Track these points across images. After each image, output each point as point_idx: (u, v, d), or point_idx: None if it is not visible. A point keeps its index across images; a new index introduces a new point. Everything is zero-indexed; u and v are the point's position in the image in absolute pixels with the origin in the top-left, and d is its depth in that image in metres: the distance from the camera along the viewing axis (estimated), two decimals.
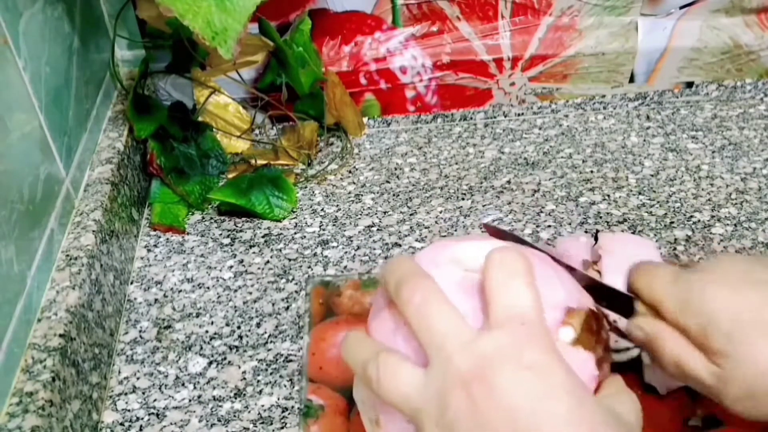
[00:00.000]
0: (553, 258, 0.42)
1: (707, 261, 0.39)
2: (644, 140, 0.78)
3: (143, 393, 0.54)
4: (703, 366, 0.37)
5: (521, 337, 0.32)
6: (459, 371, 0.31)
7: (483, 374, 0.31)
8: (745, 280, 0.37)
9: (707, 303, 0.36)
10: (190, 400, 0.53)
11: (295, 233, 0.68)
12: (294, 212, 0.70)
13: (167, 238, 0.68)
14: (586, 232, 0.66)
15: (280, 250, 0.66)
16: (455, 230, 0.67)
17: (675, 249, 0.63)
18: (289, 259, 0.65)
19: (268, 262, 0.65)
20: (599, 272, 0.57)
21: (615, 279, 0.56)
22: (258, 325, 0.59)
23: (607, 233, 0.62)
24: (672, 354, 0.38)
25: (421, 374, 0.33)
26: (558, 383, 0.31)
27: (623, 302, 0.43)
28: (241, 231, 0.68)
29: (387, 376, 0.34)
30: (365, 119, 0.82)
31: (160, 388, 0.54)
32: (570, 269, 0.42)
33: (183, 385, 0.54)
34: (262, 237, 0.68)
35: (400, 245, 0.66)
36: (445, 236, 0.66)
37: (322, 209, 0.71)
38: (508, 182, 0.73)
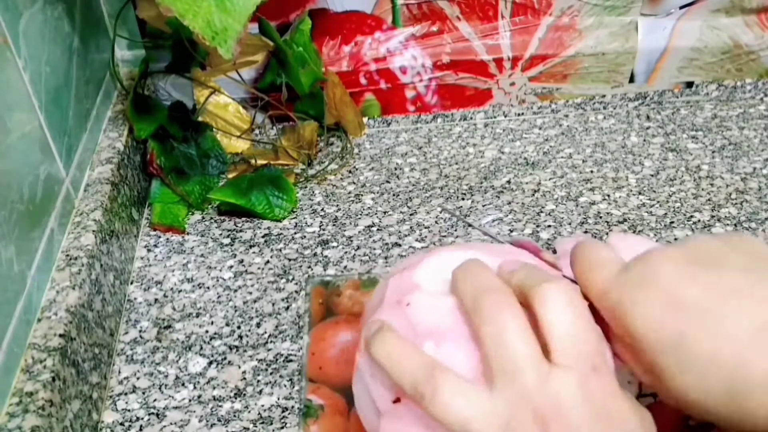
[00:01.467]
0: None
1: (639, 264, 0.35)
2: (644, 140, 0.78)
3: (143, 393, 0.54)
4: (643, 376, 0.35)
5: (595, 383, 0.32)
6: (535, 406, 0.31)
7: (559, 417, 0.31)
8: (669, 302, 0.33)
9: (634, 327, 0.33)
10: (190, 400, 0.53)
11: (295, 233, 0.68)
12: (294, 212, 0.70)
13: (167, 238, 0.68)
14: (585, 232, 0.66)
15: (280, 250, 0.66)
16: (455, 230, 0.67)
17: None
18: (289, 259, 0.65)
19: (268, 262, 0.65)
20: None
21: None
22: (258, 325, 0.59)
23: (619, 233, 0.62)
24: (621, 355, 0.36)
25: (486, 402, 0.32)
26: (630, 429, 0.32)
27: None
28: (241, 231, 0.68)
29: (445, 398, 0.32)
30: (365, 119, 0.82)
31: (160, 388, 0.54)
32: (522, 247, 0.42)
33: (183, 385, 0.54)
34: (262, 237, 0.68)
35: (400, 245, 0.66)
36: (444, 236, 0.66)
37: (322, 209, 0.71)
38: (508, 182, 0.73)
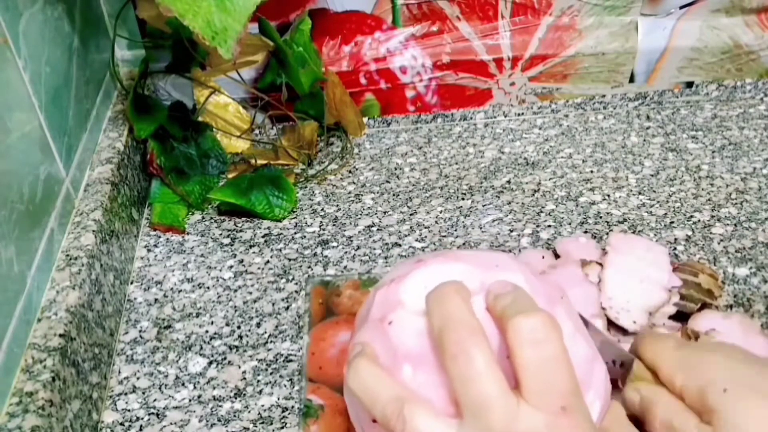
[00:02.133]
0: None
1: (708, 339, 0.42)
2: (644, 140, 0.78)
3: (143, 393, 0.54)
4: (695, 427, 0.38)
5: (563, 425, 0.32)
6: None
7: None
8: (744, 358, 0.39)
9: (707, 367, 0.38)
10: (190, 400, 0.53)
11: (295, 233, 0.68)
12: (294, 212, 0.70)
13: (167, 238, 0.68)
14: (585, 232, 0.66)
15: (280, 250, 0.66)
16: (455, 230, 0.67)
17: (675, 249, 0.63)
18: (289, 259, 0.65)
19: (268, 262, 0.65)
20: (601, 265, 0.57)
21: (615, 277, 0.56)
22: (258, 325, 0.59)
23: (620, 234, 0.62)
24: (665, 416, 0.39)
25: None
26: None
27: (624, 364, 0.44)
28: (241, 231, 0.68)
29: (414, 430, 0.33)
30: (365, 119, 0.82)
31: (160, 388, 0.54)
32: (584, 322, 0.43)
33: (183, 385, 0.54)
34: (262, 237, 0.68)
35: (400, 245, 0.66)
36: (444, 236, 0.66)
37: (322, 209, 0.71)
38: (508, 182, 0.73)
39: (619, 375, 0.44)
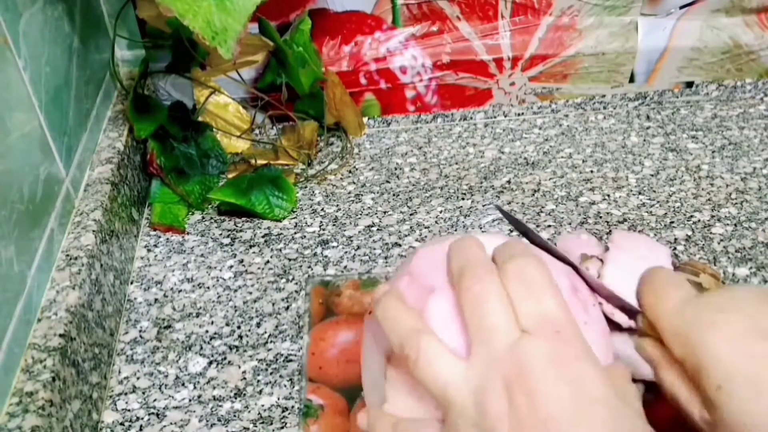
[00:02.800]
0: (559, 257, 0.42)
1: (720, 291, 0.37)
2: (644, 140, 0.78)
3: (143, 393, 0.54)
4: (696, 409, 0.36)
5: (560, 347, 0.32)
6: (504, 371, 0.32)
7: (525, 382, 0.31)
8: (753, 328, 0.34)
9: (706, 347, 0.34)
10: (190, 400, 0.53)
11: (295, 233, 0.68)
12: (294, 212, 0.70)
13: (167, 238, 0.68)
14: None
15: (280, 250, 0.66)
16: (455, 230, 0.67)
17: (675, 249, 0.63)
18: (289, 259, 0.65)
19: (268, 261, 0.65)
20: (601, 261, 0.57)
21: (615, 273, 0.56)
22: (258, 324, 0.59)
23: (623, 231, 0.62)
24: (669, 386, 0.37)
25: (462, 368, 0.33)
26: (597, 396, 0.31)
27: (629, 310, 0.43)
28: (241, 231, 0.68)
29: (426, 362, 0.34)
30: (365, 119, 0.82)
31: (160, 388, 0.54)
32: (576, 269, 0.42)
33: (183, 384, 0.54)
34: (262, 237, 0.68)
35: (400, 245, 0.66)
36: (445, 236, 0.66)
37: (322, 209, 0.71)
38: (508, 182, 0.73)
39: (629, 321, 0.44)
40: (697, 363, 0.34)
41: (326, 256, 0.65)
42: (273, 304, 0.60)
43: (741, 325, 0.34)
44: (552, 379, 0.31)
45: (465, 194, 0.72)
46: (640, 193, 0.70)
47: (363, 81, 0.80)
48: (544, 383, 0.31)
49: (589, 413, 0.30)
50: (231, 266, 0.64)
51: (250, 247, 0.66)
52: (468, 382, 0.32)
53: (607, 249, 0.59)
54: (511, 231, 0.67)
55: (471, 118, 0.83)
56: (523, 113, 0.83)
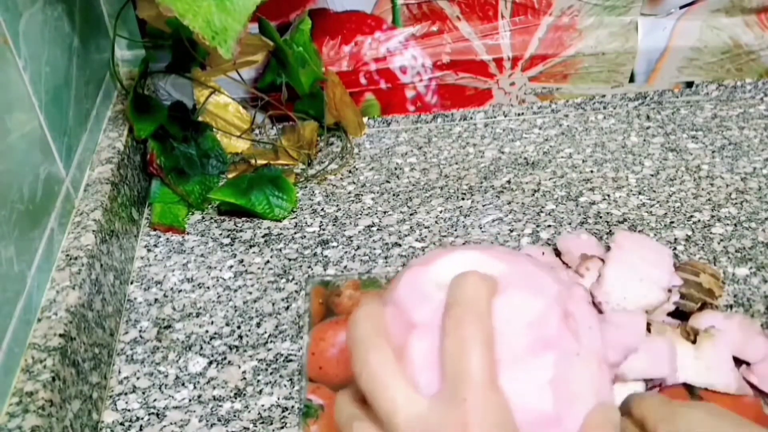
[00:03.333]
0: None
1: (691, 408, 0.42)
2: (644, 140, 0.78)
3: (143, 393, 0.54)
4: None
5: (463, 414, 0.31)
6: (461, 421, 0.31)
7: None
8: (730, 418, 0.40)
9: (689, 420, 0.39)
10: (190, 400, 0.53)
11: (295, 233, 0.68)
12: (294, 212, 0.70)
13: (167, 238, 0.68)
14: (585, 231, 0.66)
15: (280, 250, 0.66)
16: (455, 230, 0.67)
17: (675, 249, 0.63)
18: (289, 259, 0.65)
19: (268, 261, 0.65)
20: (602, 261, 0.57)
21: (616, 272, 0.56)
22: (258, 324, 0.59)
23: (626, 232, 0.62)
24: None
25: (423, 404, 0.32)
26: None
27: None
28: (241, 231, 0.68)
29: (384, 391, 0.33)
30: (365, 119, 0.82)
31: (160, 388, 0.54)
32: None
33: (183, 384, 0.54)
34: (262, 237, 0.68)
35: (400, 245, 0.66)
36: (445, 236, 0.66)
37: (322, 209, 0.71)
38: (508, 182, 0.73)
39: None
40: None
41: (326, 256, 0.65)
42: (273, 304, 0.60)
43: (719, 412, 0.39)
44: None
45: (465, 194, 0.72)
46: (640, 193, 0.70)
47: (363, 81, 0.80)
48: None
49: None
50: (231, 266, 0.64)
51: (250, 247, 0.66)
52: (422, 419, 0.32)
53: (608, 249, 0.59)
54: (511, 231, 0.67)
55: (471, 118, 0.83)
56: (523, 113, 0.83)
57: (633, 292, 0.55)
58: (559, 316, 0.37)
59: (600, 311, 0.55)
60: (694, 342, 0.52)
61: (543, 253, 0.61)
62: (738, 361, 0.52)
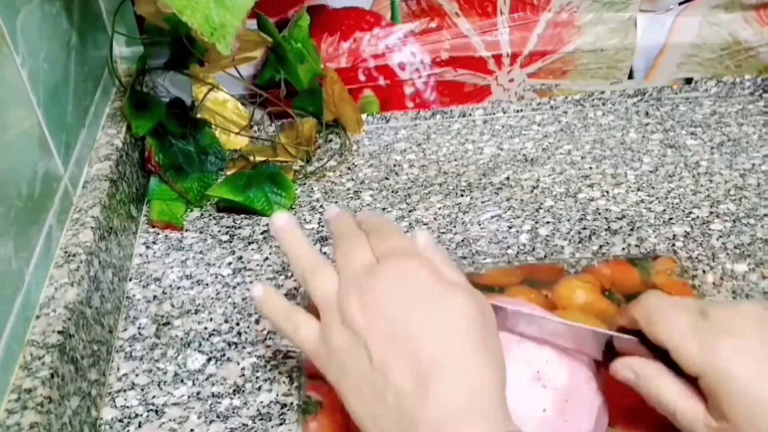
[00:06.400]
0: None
1: (725, 311, 0.41)
2: (643, 136, 0.78)
3: (142, 390, 0.54)
4: (701, 416, 0.40)
5: (401, 265, 0.43)
6: (359, 285, 0.42)
7: (373, 289, 0.41)
8: (763, 352, 0.39)
9: (723, 372, 0.38)
10: (189, 397, 0.53)
11: None
12: (293, 209, 0.70)
13: (166, 235, 0.68)
14: (584, 228, 0.66)
15: (279, 247, 0.66)
16: (454, 227, 0.67)
17: (674, 245, 0.63)
18: None
19: (266, 258, 0.65)
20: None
21: None
22: (257, 321, 0.59)
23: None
24: (669, 400, 0.41)
25: (334, 282, 0.44)
26: (424, 289, 0.41)
27: (592, 339, 0.46)
28: (239, 228, 0.68)
29: (313, 283, 0.46)
30: (364, 116, 0.82)
31: (159, 385, 0.54)
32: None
33: (182, 381, 0.54)
34: (261, 234, 0.67)
35: None
36: (444, 232, 0.66)
37: (321, 206, 0.71)
38: (507, 179, 0.73)
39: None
40: (714, 383, 0.39)
41: (325, 253, 0.65)
42: None
43: (752, 349, 0.39)
44: (390, 284, 0.41)
45: (464, 191, 0.72)
46: (639, 190, 0.70)
47: (362, 77, 0.80)
48: (385, 287, 0.41)
49: (417, 303, 0.40)
50: (230, 263, 0.64)
51: (249, 243, 0.66)
52: (334, 292, 0.43)
53: None
54: (510, 228, 0.67)
55: (470, 114, 0.83)
56: (522, 110, 0.83)
57: None
58: (530, 376, 0.45)
59: None
60: None
61: None
62: None
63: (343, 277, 0.43)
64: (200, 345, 0.57)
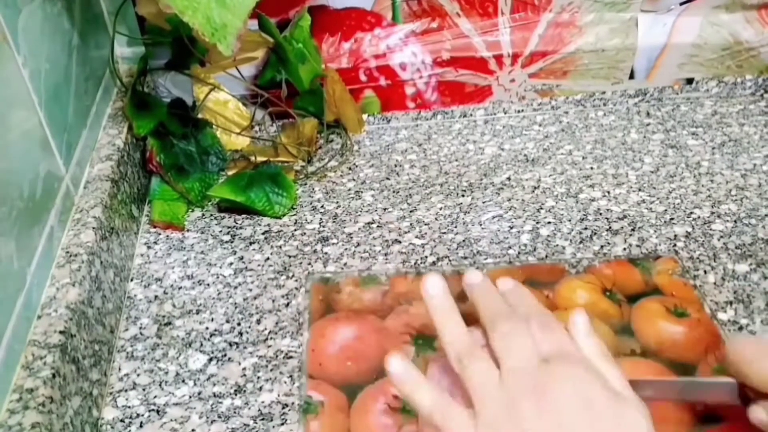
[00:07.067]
0: None
1: None
2: (644, 137, 0.78)
3: (143, 390, 0.54)
4: None
5: (570, 367, 0.40)
6: (530, 384, 0.39)
7: (546, 391, 0.39)
8: None
9: None
10: (190, 397, 0.53)
11: (295, 230, 0.68)
12: (294, 209, 0.70)
13: (167, 235, 0.68)
14: (585, 228, 0.66)
15: (280, 247, 0.66)
16: (455, 227, 0.67)
17: (675, 245, 0.63)
18: (289, 256, 0.65)
19: (268, 258, 0.65)
20: None
21: None
22: (258, 321, 0.59)
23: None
24: None
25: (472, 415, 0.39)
26: (595, 398, 0.39)
27: (725, 390, 0.45)
28: (240, 228, 0.68)
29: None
30: (365, 116, 0.82)
31: (160, 385, 0.54)
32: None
33: (183, 381, 0.54)
34: (262, 234, 0.68)
35: (400, 242, 0.66)
36: (445, 232, 0.66)
37: (322, 206, 0.71)
38: (508, 179, 0.73)
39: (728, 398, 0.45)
40: None
41: (326, 253, 0.65)
42: (273, 301, 0.60)
43: None
44: (567, 395, 0.38)
45: (465, 191, 0.72)
46: (640, 190, 0.70)
47: (363, 78, 0.80)
48: (562, 398, 0.38)
49: (594, 419, 0.38)
50: (231, 263, 0.64)
51: (250, 244, 0.66)
52: (495, 384, 0.40)
53: None
54: (511, 228, 0.67)
55: (471, 114, 0.83)
56: (523, 110, 0.83)
57: None
58: None
59: None
60: None
61: None
62: None
63: (508, 370, 0.40)
64: (201, 345, 0.57)
